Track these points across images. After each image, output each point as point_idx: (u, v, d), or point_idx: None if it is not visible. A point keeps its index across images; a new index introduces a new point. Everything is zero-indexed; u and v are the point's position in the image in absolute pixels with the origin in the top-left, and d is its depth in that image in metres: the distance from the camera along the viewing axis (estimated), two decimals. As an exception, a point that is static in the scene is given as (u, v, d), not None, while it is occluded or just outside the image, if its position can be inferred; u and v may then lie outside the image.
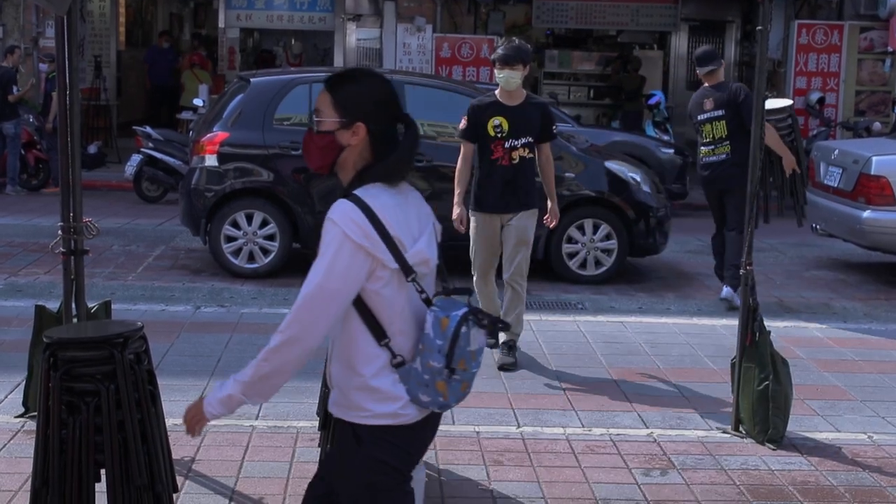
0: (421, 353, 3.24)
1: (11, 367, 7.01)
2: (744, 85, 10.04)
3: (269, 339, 3.27)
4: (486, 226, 7.69)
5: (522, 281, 7.73)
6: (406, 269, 3.23)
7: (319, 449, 5.68)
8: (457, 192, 7.69)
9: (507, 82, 7.49)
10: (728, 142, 9.60)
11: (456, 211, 7.64)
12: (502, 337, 7.76)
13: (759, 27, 6.24)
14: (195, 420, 3.36)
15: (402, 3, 18.90)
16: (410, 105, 10.58)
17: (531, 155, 7.66)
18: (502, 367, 7.62)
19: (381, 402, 3.27)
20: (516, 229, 7.63)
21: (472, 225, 7.73)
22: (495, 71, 7.58)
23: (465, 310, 3.25)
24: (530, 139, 7.60)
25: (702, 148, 9.94)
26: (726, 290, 9.79)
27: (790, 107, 9.80)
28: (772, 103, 9.32)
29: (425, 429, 3.39)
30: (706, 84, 9.84)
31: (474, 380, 3.34)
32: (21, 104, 16.19)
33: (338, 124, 3.31)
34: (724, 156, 9.65)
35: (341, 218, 3.20)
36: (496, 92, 7.70)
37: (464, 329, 3.21)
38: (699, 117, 9.88)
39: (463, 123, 7.71)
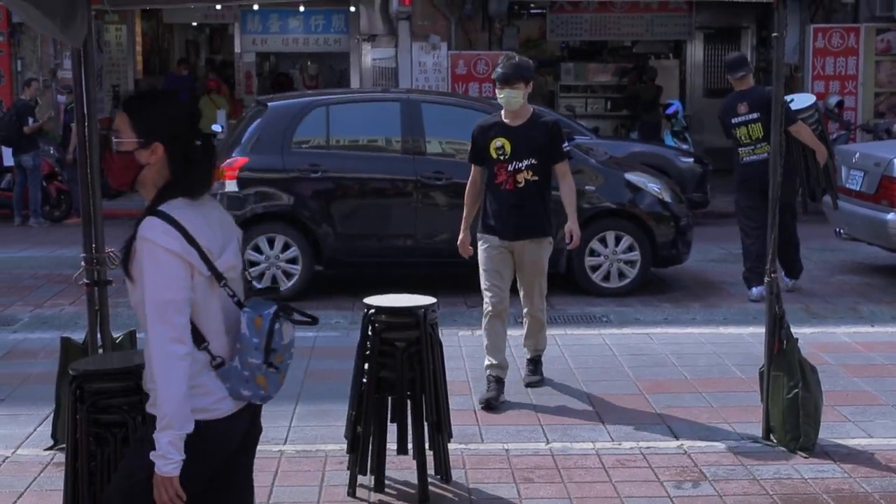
0: (240, 353, 3.46)
1: (39, 399, 7.03)
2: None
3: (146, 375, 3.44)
4: (493, 252, 7.19)
5: (542, 306, 7.44)
6: (217, 276, 3.42)
7: (349, 472, 5.67)
8: (463, 215, 7.38)
9: (509, 102, 7.06)
10: (765, 142, 9.86)
11: (460, 236, 7.33)
12: (527, 354, 7.68)
13: (775, 33, 6.21)
14: (164, 489, 3.34)
15: (417, 21, 18.94)
16: (428, 123, 10.65)
17: (537, 177, 7.11)
18: (529, 385, 7.51)
19: (198, 396, 3.40)
20: (529, 260, 7.22)
21: (479, 250, 7.27)
22: (496, 91, 7.15)
23: (274, 307, 3.48)
24: (534, 161, 7.07)
25: (741, 149, 10.40)
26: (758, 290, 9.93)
27: (815, 102, 10.67)
28: (799, 101, 10.38)
29: (240, 420, 3.57)
30: (737, 89, 10.53)
31: (288, 370, 3.61)
32: (41, 136, 16.29)
33: (136, 144, 3.45)
34: (764, 154, 9.81)
35: (152, 233, 3.35)
36: (501, 111, 7.27)
37: (277, 325, 3.45)
38: (733, 121, 10.37)
39: (471, 146, 7.38)
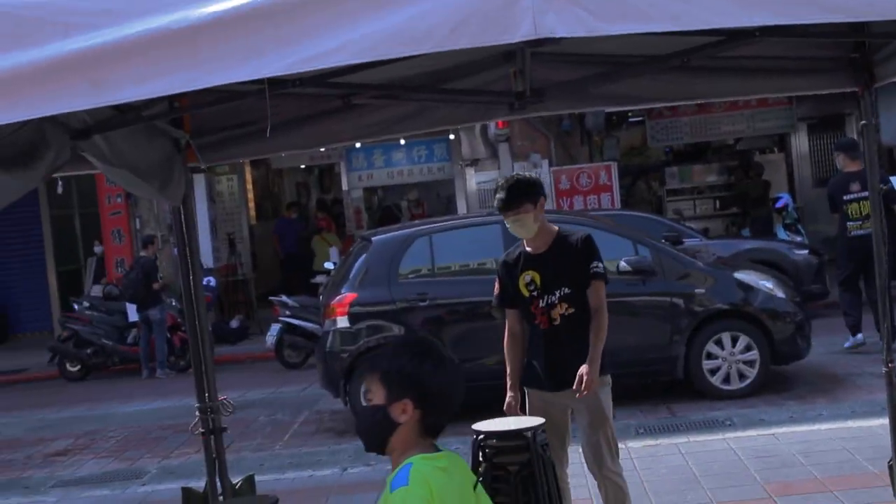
0: None
1: (167, 550, 7.13)
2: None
3: None
4: (538, 406, 6.01)
5: (618, 469, 5.96)
6: None
7: None
8: (507, 372, 6.07)
9: (519, 230, 5.90)
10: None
11: (507, 397, 6.01)
12: None
13: (863, 121, 6.15)
14: None
15: (516, 142, 19.20)
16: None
17: (574, 309, 5.86)
18: None
19: None
20: (586, 407, 5.87)
21: (527, 407, 6.08)
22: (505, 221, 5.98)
23: None
24: (567, 290, 5.85)
25: (849, 223, 11.86)
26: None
27: None
28: None
29: None
30: (846, 170, 11.88)
31: None
32: (164, 290, 16.80)
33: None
34: (871, 229, 10.08)
35: None
36: (524, 241, 6.05)
37: None
38: (845, 198, 11.82)
39: (496, 288, 6.17)
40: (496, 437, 5.65)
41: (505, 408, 5.97)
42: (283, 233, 22.87)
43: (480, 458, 5.60)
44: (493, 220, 11.43)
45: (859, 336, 12.04)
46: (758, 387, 10.51)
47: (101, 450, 11.29)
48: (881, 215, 6.22)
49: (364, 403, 3.25)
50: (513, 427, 5.68)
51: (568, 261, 5.87)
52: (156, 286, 16.31)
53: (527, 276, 5.93)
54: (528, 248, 5.98)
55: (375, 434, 3.20)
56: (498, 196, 5.94)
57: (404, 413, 3.13)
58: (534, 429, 5.61)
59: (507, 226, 5.95)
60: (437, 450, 3.19)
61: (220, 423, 6.07)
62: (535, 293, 5.91)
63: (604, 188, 18.14)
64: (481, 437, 5.66)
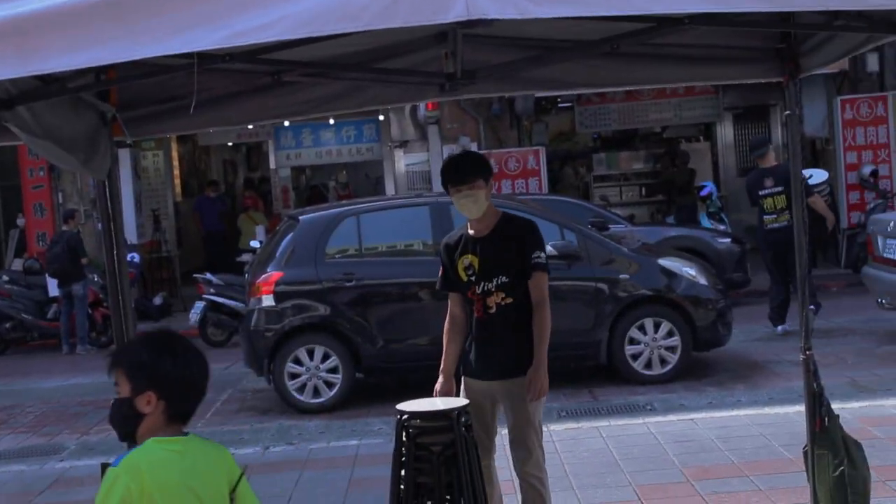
0: None
1: (85, 527, 7.04)
2: None
3: None
4: (470, 394, 5.75)
5: (539, 473, 5.67)
6: None
7: None
8: (442, 357, 5.88)
9: (467, 206, 5.55)
10: (788, 211, 11.59)
11: (438, 382, 5.82)
12: None
13: (787, 111, 6.24)
14: None
15: (446, 125, 19.21)
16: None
17: (512, 299, 5.57)
18: None
19: None
20: (511, 406, 5.63)
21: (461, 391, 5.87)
22: (452, 196, 5.63)
23: None
24: (504, 279, 5.56)
25: (765, 217, 12.46)
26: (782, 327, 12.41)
27: (827, 178, 14.12)
28: (816, 177, 13.53)
29: None
30: (761, 165, 12.60)
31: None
32: (87, 265, 16.56)
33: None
34: (785, 223, 11.76)
35: None
36: (467, 223, 5.76)
37: None
38: (760, 192, 12.44)
39: (440, 271, 5.90)
40: (420, 417, 5.65)
41: (434, 393, 5.81)
42: (203, 210, 22.70)
43: (404, 438, 5.61)
44: (421, 201, 11.50)
45: (779, 328, 12.63)
46: (679, 372, 10.66)
47: (18, 425, 11.13)
48: (803, 205, 6.31)
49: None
50: (437, 408, 5.69)
51: (509, 247, 5.57)
52: (84, 261, 16.10)
53: (465, 259, 5.66)
54: (470, 231, 5.69)
55: (124, 425, 3.33)
56: (447, 169, 5.62)
57: (149, 404, 3.25)
58: (458, 409, 5.62)
59: (456, 203, 5.59)
60: (184, 434, 3.32)
61: (142, 400, 5.99)
62: (472, 278, 5.63)
63: (532, 173, 18.23)
64: (405, 416, 5.66)
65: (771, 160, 12.56)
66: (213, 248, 22.29)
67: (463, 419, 5.59)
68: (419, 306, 10.66)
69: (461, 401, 5.72)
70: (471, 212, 5.58)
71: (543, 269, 5.56)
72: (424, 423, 5.62)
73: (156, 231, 20.21)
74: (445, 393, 5.79)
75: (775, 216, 12.32)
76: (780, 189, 12.10)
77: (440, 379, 5.82)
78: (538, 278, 5.54)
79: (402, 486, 5.58)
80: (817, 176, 13.74)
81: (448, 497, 5.55)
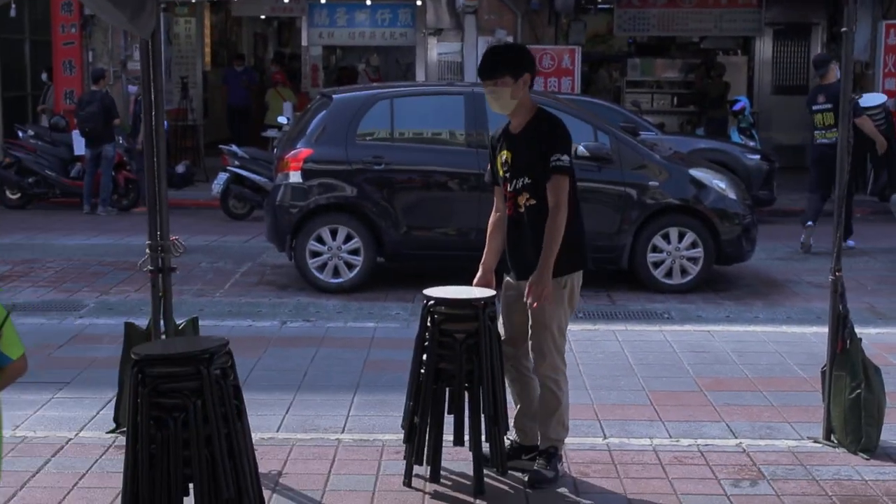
0: None
1: (104, 383, 7.14)
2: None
3: None
4: (505, 291, 5.83)
5: (554, 374, 5.63)
6: None
7: (405, 462, 5.71)
8: (485, 250, 5.90)
9: (493, 103, 5.56)
10: (835, 128, 11.63)
11: (477, 275, 5.88)
12: (513, 435, 5.95)
13: (844, 28, 6.13)
14: None
15: (483, 16, 18.94)
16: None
17: (535, 201, 5.53)
18: (532, 484, 5.64)
19: None
20: (529, 306, 5.55)
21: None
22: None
23: None
24: (528, 180, 5.53)
25: (815, 132, 12.75)
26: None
27: (885, 102, 13.75)
28: (868, 100, 13.31)
29: None
30: (821, 83, 12.74)
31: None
32: (114, 127, 16.53)
33: None
34: (832, 139, 11.81)
35: None
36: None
37: None
38: (814, 108, 12.68)
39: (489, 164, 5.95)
40: (445, 304, 5.68)
41: (473, 283, 5.82)
42: (228, 83, 22.78)
43: (428, 324, 5.64)
44: (456, 90, 11.40)
45: (808, 222, 12.78)
46: (698, 284, 10.65)
47: (38, 279, 11.21)
48: (849, 125, 6.23)
49: None
50: (463, 296, 5.71)
51: (534, 147, 5.48)
52: (116, 122, 16.07)
53: (503, 154, 5.63)
54: (510, 127, 5.64)
55: None
56: (480, 62, 5.61)
57: None
58: (484, 300, 5.64)
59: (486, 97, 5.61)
60: None
61: (170, 263, 6.02)
62: (507, 174, 5.61)
63: (565, 72, 18.03)
64: (431, 302, 5.69)
65: (831, 77, 12.45)
66: (237, 123, 22.24)
67: (488, 310, 5.62)
68: (446, 196, 10.63)
69: (488, 291, 5.74)
70: (494, 107, 5.57)
71: (563, 172, 5.41)
72: (449, 311, 5.66)
73: (183, 99, 20.10)
74: (482, 286, 5.80)
75: (823, 132, 12.53)
76: (829, 106, 12.24)
77: (479, 271, 5.84)
78: (556, 181, 5.42)
79: (422, 371, 5.64)
80: (871, 99, 13.49)
81: (468, 385, 5.61)
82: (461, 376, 5.57)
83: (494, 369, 5.61)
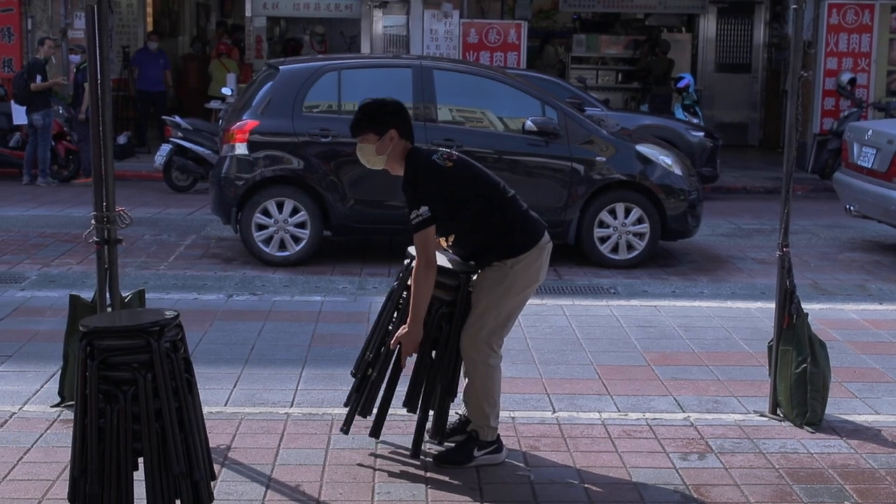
0: None
1: (46, 356, 7.04)
2: None
3: None
4: None
5: (473, 352, 5.51)
6: None
7: (347, 409, 5.66)
8: None
9: (361, 159, 5.56)
10: None
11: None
12: (462, 409, 5.87)
13: (794, 6, 6.17)
14: None
15: (429, -11, 18.82)
16: (440, 90, 10.62)
17: (455, 237, 5.59)
18: (436, 461, 5.64)
19: None
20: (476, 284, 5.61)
21: None
22: None
23: None
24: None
25: None
26: None
27: None
28: None
29: None
30: None
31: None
32: (51, 95, 16.24)
33: None
34: None
35: None
36: None
37: None
38: None
39: None
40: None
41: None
42: (141, 65, 19.75)
43: (408, 283, 5.50)
44: (404, 63, 11.31)
45: None
46: (644, 259, 10.72)
47: (-23, 251, 11.02)
48: (798, 102, 6.27)
49: None
50: (448, 265, 5.59)
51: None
52: (33, 87, 15.69)
53: None
54: None
55: None
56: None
57: None
58: (467, 272, 5.54)
59: None
60: None
61: (116, 235, 5.93)
62: None
63: (511, 47, 18.00)
64: (412, 261, 5.55)
65: None
66: (148, 111, 19.69)
67: (470, 283, 5.54)
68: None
69: (469, 265, 5.62)
70: (364, 163, 5.55)
71: (416, 229, 5.30)
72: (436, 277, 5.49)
73: (124, 69, 19.79)
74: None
75: None
76: None
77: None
78: (415, 239, 5.34)
79: (391, 327, 5.55)
80: None
81: (434, 351, 5.55)
82: (428, 343, 5.52)
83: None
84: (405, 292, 5.55)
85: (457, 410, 5.88)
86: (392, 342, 5.47)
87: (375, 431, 5.65)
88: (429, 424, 5.66)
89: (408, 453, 5.67)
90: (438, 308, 5.49)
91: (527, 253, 5.53)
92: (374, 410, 5.63)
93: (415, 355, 5.57)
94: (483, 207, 5.47)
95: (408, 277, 5.53)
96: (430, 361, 5.57)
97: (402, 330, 5.42)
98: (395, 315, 5.59)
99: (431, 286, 5.37)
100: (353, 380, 5.74)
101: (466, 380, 5.68)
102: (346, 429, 5.66)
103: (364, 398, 5.60)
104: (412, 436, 5.71)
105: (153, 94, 19.55)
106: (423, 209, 5.30)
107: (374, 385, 5.58)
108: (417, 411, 5.60)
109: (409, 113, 5.70)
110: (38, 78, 15.78)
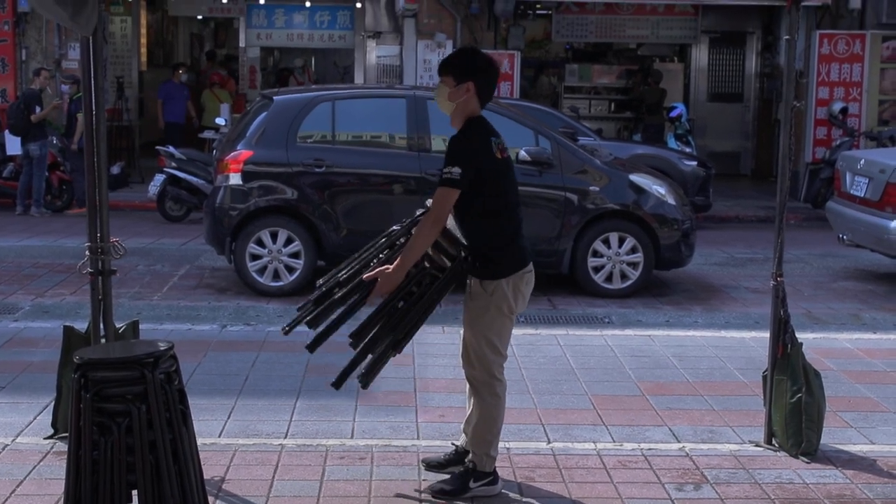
0: None
1: (40, 388, 7.01)
2: None
3: None
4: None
5: (481, 374, 5.54)
6: None
7: (298, 313, 5.58)
8: None
9: (436, 98, 5.62)
10: None
11: None
12: (459, 441, 5.86)
13: (786, 37, 6.20)
14: None
15: (422, 19, 18.92)
16: (433, 120, 10.63)
17: (455, 212, 5.48)
18: (432, 493, 5.58)
19: None
20: (465, 305, 5.62)
21: None
22: None
23: None
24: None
25: None
26: None
27: None
28: None
29: None
30: None
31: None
32: (45, 125, 16.27)
33: None
34: None
35: None
36: None
37: None
38: None
39: None
40: (443, 233, 5.45)
41: None
42: (168, 98, 19.88)
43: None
44: (398, 93, 11.36)
45: None
46: (638, 289, 10.73)
47: (-30, 281, 11.00)
48: (791, 131, 6.30)
49: None
50: (457, 235, 5.53)
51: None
52: (33, 118, 15.76)
53: None
54: None
55: None
56: None
57: None
58: (466, 250, 5.52)
59: None
60: None
61: (110, 266, 5.92)
62: None
63: (505, 77, 18.05)
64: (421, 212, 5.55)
65: None
66: (172, 141, 18.80)
67: (465, 265, 5.50)
68: (386, 199, 10.59)
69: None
70: (437, 104, 5.58)
71: (443, 184, 5.31)
72: (440, 239, 5.44)
73: (118, 99, 19.83)
74: None
75: None
76: None
77: None
78: (437, 192, 5.35)
79: (373, 262, 5.48)
80: None
81: (402, 303, 5.48)
82: (402, 293, 5.44)
83: (432, 305, 5.49)
84: (403, 238, 5.51)
85: (452, 441, 5.88)
86: (370, 275, 5.40)
87: (313, 346, 5.52)
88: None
89: (404, 484, 5.66)
90: (428, 267, 5.45)
91: (506, 278, 5.47)
92: (321, 328, 5.50)
93: (383, 298, 5.46)
94: (494, 209, 5.46)
95: (412, 227, 5.49)
96: (394, 310, 5.48)
97: (385, 268, 5.38)
98: (385, 252, 5.53)
99: (430, 241, 5.37)
100: (330, 276, 5.60)
101: (469, 409, 5.65)
102: (287, 330, 5.51)
103: (318, 312, 5.48)
104: (407, 467, 5.69)
105: (181, 126, 19.69)
106: (456, 170, 5.29)
107: (333, 304, 5.46)
108: (358, 348, 5.47)
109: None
110: (37, 109, 15.82)
